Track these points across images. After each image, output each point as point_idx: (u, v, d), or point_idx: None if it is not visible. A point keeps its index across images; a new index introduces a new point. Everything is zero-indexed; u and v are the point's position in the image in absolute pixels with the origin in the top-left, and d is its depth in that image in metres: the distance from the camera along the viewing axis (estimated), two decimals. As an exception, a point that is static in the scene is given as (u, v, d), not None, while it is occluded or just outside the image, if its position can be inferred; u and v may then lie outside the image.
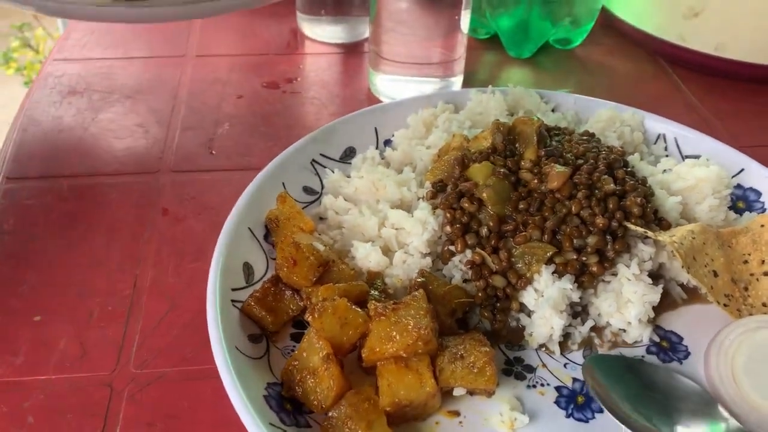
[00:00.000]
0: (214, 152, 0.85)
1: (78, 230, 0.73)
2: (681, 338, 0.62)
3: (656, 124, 0.81)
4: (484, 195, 0.63)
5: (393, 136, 0.79)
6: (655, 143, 0.80)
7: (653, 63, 1.07)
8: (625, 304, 0.60)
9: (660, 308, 0.64)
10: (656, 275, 0.66)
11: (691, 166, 0.71)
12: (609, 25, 1.13)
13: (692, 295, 0.66)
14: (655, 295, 0.61)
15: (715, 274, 0.62)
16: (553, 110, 0.84)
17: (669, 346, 0.61)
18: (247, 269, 0.63)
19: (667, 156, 0.78)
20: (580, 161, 0.65)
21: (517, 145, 0.68)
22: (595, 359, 0.58)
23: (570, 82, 1.03)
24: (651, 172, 0.71)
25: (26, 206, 0.75)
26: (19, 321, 0.63)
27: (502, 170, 0.64)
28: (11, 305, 0.64)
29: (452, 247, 0.63)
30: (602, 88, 1.01)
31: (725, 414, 0.53)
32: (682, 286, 0.66)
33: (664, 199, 0.66)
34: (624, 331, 0.61)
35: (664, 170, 0.72)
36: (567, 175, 0.62)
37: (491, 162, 0.65)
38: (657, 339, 0.62)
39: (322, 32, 1.08)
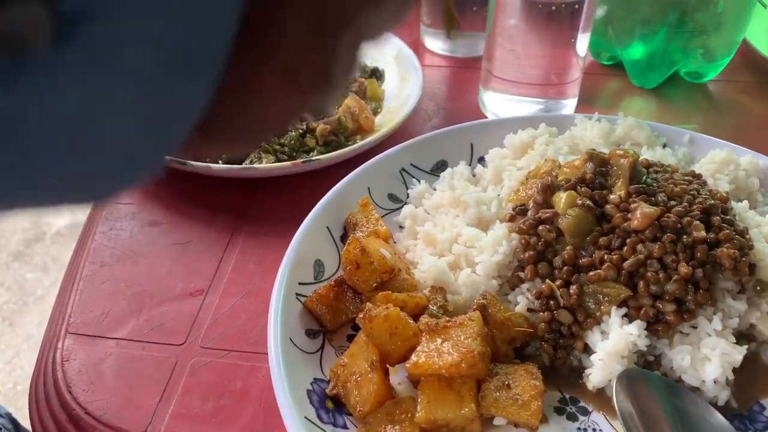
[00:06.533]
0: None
1: (182, 207, 0.79)
2: (764, 408, 0.57)
3: (779, 172, 0.74)
4: (563, 225, 0.61)
5: (488, 153, 0.78)
6: (775, 193, 0.74)
7: (795, 106, 0.98)
8: (701, 360, 0.56)
9: (749, 373, 0.58)
10: (748, 336, 0.60)
11: (808, 221, 0.64)
12: (751, 61, 1.05)
13: (789, 364, 0.60)
14: (737, 356, 0.55)
15: (814, 345, 0.56)
16: (664, 146, 0.79)
17: (748, 414, 0.56)
18: (318, 266, 0.65)
19: (786, 208, 0.72)
20: (673, 203, 0.61)
21: (609, 178, 0.65)
22: (632, 373, 0.55)
23: (696, 118, 0.96)
24: (758, 223, 0.65)
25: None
26: (111, 287, 0.69)
27: (586, 202, 0.61)
28: (105, 273, 0.71)
29: (522, 274, 0.61)
30: (730, 128, 0.94)
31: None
32: (776, 352, 0.60)
33: (766, 255, 0.60)
34: (698, 389, 0.57)
35: (775, 223, 0.65)
36: (654, 216, 0.58)
37: (577, 192, 0.63)
38: (735, 404, 0.57)
39: (443, 45, 1.09)
